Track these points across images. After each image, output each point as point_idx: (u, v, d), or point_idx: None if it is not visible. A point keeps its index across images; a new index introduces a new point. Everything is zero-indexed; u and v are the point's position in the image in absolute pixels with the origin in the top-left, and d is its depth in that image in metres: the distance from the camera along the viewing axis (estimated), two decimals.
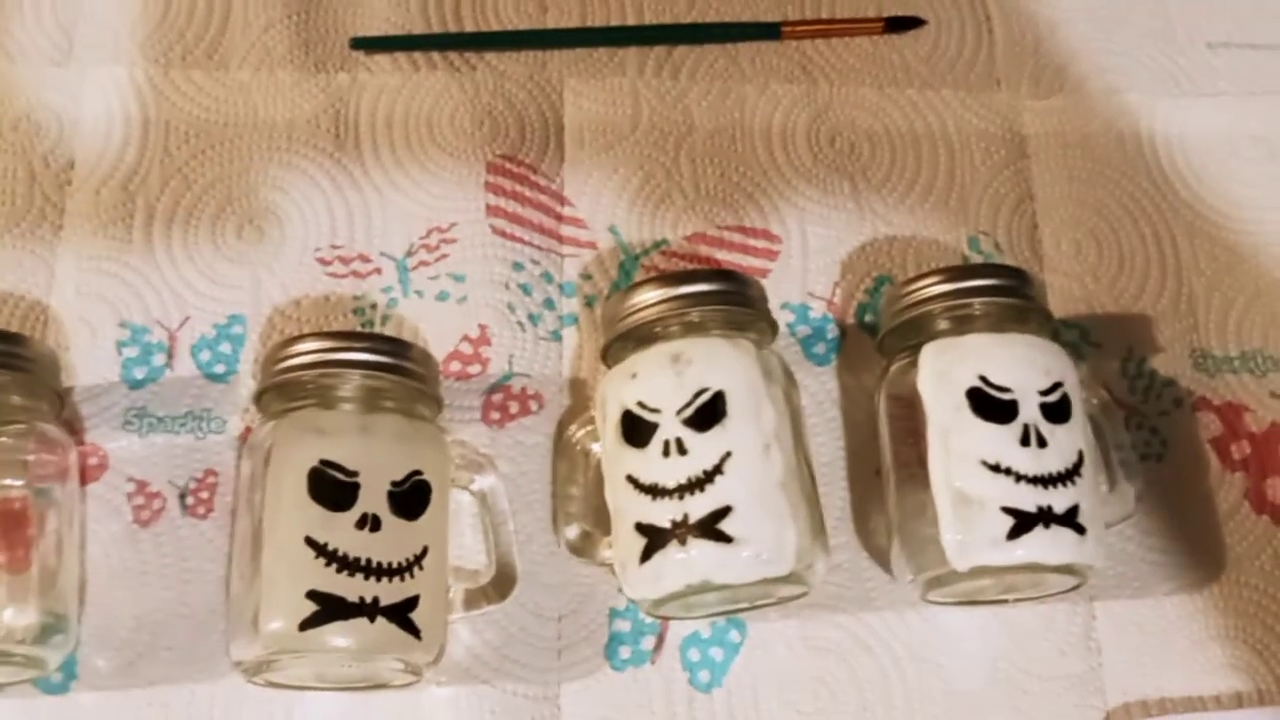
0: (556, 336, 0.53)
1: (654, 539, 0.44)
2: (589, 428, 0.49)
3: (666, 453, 0.44)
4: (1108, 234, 0.57)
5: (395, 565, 0.43)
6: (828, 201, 0.56)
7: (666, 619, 0.48)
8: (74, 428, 0.49)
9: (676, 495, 0.44)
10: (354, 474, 0.43)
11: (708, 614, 0.48)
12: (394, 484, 0.44)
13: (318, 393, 0.46)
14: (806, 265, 0.55)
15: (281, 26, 0.57)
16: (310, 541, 0.42)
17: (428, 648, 0.44)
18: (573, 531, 0.49)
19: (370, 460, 0.44)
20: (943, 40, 0.60)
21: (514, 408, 0.51)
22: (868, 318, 0.54)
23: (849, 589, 0.50)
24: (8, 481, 0.45)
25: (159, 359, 0.51)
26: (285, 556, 0.42)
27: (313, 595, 0.42)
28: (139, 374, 0.51)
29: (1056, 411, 0.45)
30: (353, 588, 0.42)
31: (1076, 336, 0.54)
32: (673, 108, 0.57)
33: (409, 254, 0.53)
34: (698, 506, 0.43)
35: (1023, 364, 0.46)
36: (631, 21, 0.59)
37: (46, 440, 0.46)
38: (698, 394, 0.44)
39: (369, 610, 0.42)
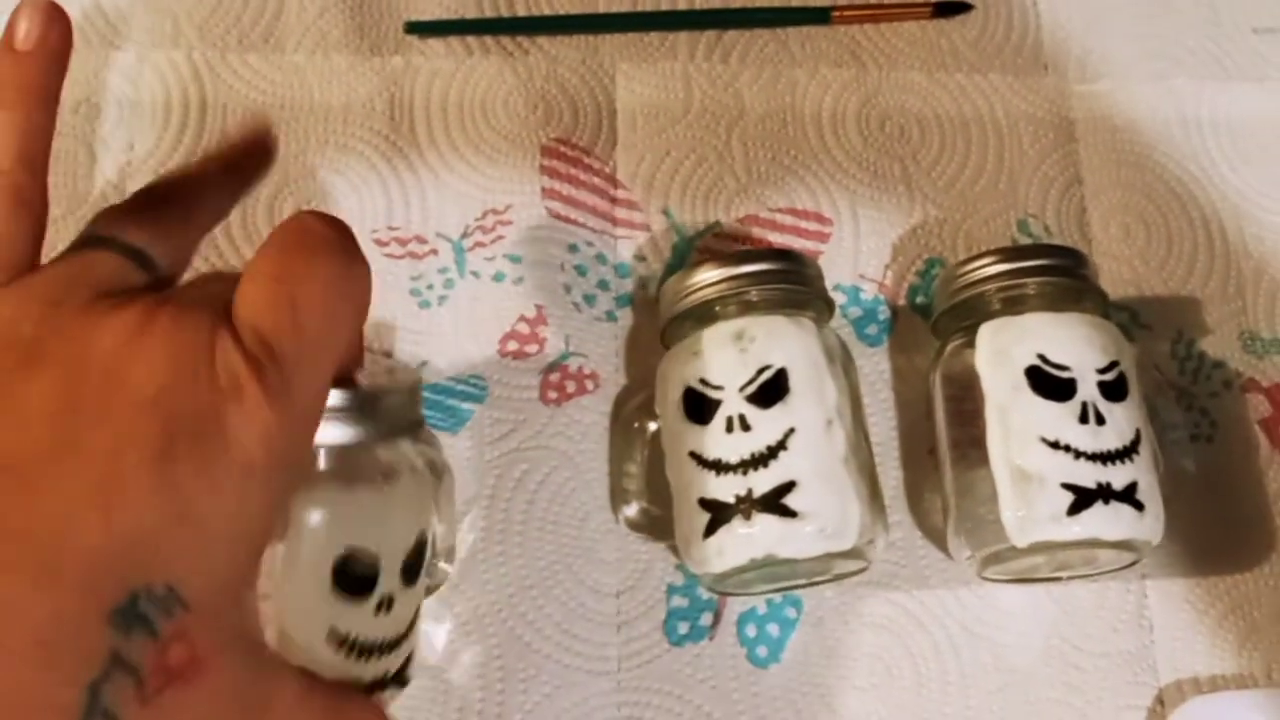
0: (612, 317, 0.53)
1: (718, 514, 0.44)
2: (646, 406, 0.49)
3: (730, 429, 0.45)
4: (1156, 217, 0.57)
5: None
6: (878, 184, 0.56)
7: (726, 594, 0.49)
8: None
9: (740, 471, 0.44)
10: None
11: (765, 590, 0.48)
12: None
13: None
14: (858, 247, 0.55)
15: (336, 10, 0.58)
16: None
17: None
18: (631, 509, 0.49)
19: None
20: (990, 25, 0.60)
21: (571, 387, 0.52)
22: (919, 299, 0.54)
23: (903, 566, 0.50)
24: None
25: None
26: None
27: None
28: None
29: (1114, 390, 0.46)
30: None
31: (1126, 319, 0.55)
32: (724, 91, 0.58)
33: (464, 235, 0.54)
34: (762, 482, 0.44)
35: (1081, 343, 0.46)
36: (682, 6, 0.59)
37: None
38: (760, 371, 0.45)
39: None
